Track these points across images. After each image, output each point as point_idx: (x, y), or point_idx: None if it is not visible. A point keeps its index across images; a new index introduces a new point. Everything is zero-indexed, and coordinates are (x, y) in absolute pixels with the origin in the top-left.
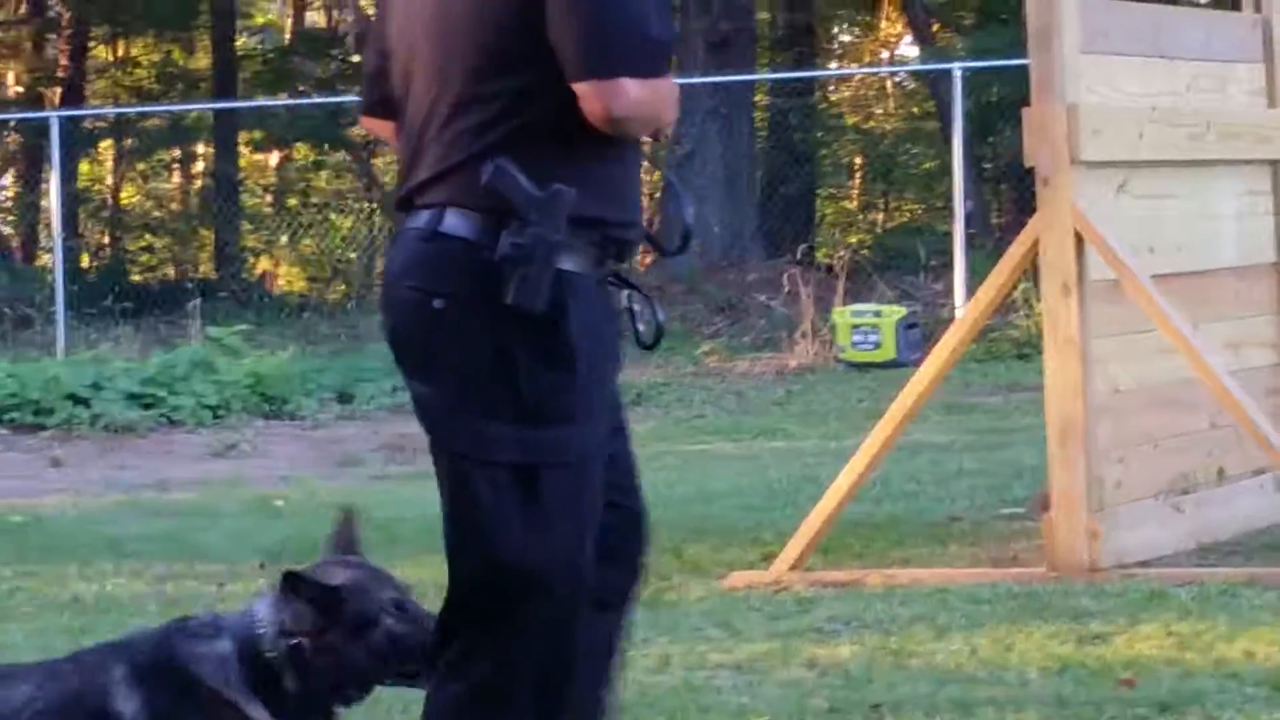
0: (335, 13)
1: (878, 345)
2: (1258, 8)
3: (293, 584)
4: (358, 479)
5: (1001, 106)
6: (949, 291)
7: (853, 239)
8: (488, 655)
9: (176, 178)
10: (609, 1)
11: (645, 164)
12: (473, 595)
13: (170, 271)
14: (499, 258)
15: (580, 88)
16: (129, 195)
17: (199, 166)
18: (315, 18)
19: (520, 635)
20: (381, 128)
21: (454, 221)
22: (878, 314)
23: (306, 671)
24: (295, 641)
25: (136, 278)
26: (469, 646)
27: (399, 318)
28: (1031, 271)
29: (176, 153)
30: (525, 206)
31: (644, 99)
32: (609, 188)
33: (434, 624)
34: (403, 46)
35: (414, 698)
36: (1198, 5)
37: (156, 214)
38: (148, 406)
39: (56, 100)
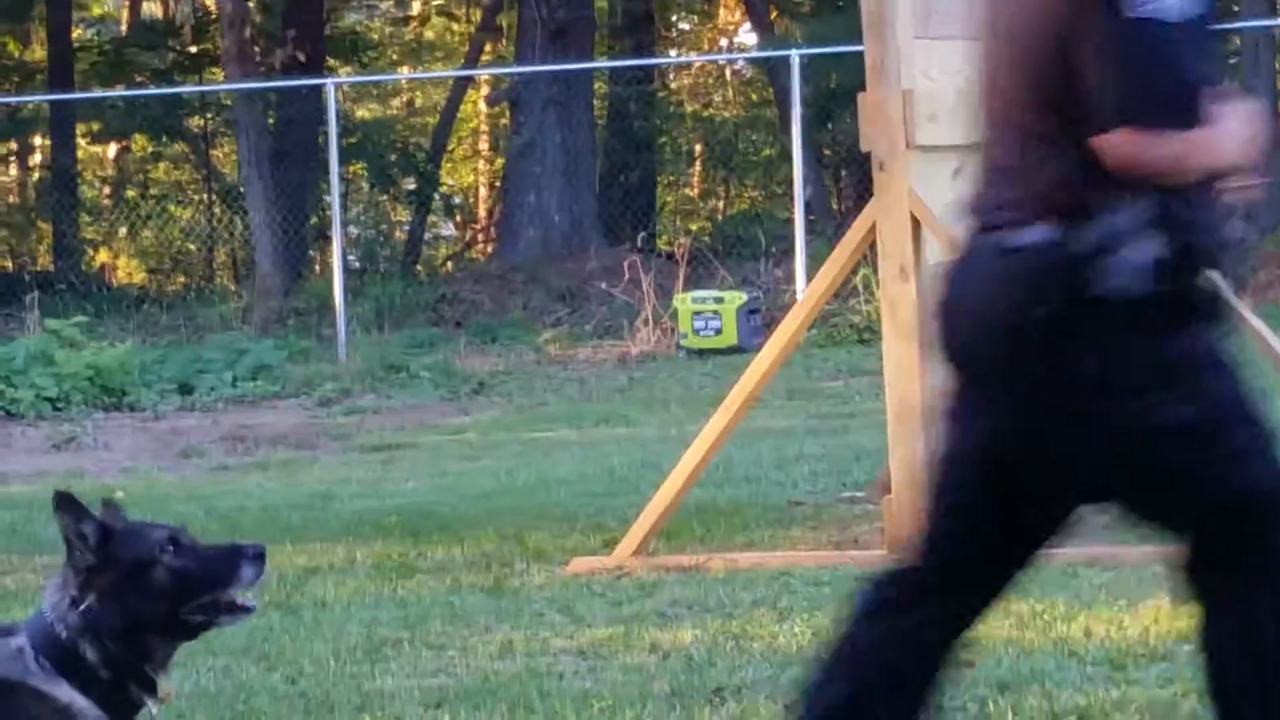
0: (172, 3)
1: (719, 331)
2: None
3: (63, 501)
4: (198, 470)
5: (839, 93)
6: (790, 278)
7: (694, 226)
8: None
9: (14, 170)
10: (1143, 48)
11: (486, 149)
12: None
13: (7, 264)
14: (1085, 251)
15: (1110, 135)
16: None
17: (36, 158)
18: (152, 9)
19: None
20: None
21: (1036, 231)
22: (719, 300)
23: (99, 632)
24: (84, 606)
25: None
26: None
27: (985, 334)
28: (871, 257)
29: (13, 145)
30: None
31: (1170, 151)
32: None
33: (214, 553)
34: (981, 72)
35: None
36: None
37: None
38: None
39: None
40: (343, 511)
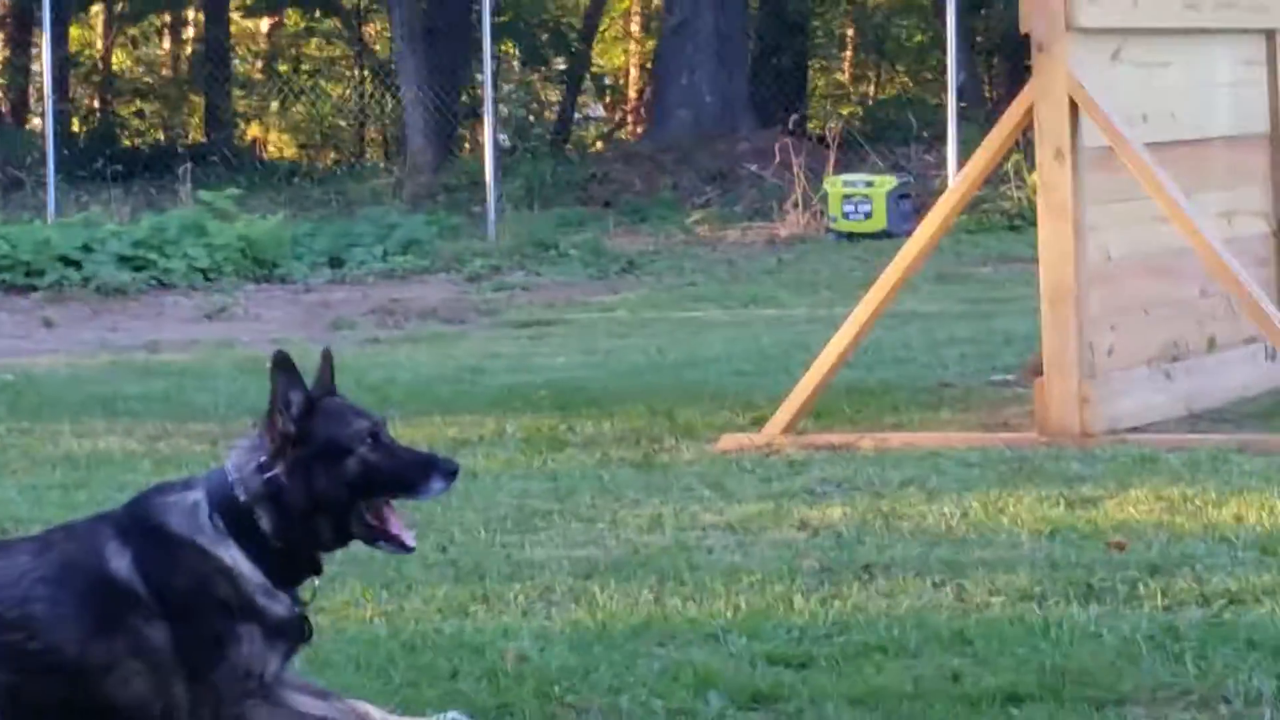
0: None
1: (869, 215)
2: None
3: (281, 362)
4: (349, 342)
5: None
6: (941, 163)
7: (845, 110)
8: None
9: (167, 43)
10: None
11: (638, 31)
12: None
13: (160, 136)
14: None
15: None
16: (119, 60)
17: (190, 32)
18: None
19: None
20: None
21: None
22: (869, 184)
23: (280, 503)
24: (270, 475)
25: (127, 142)
26: None
27: None
28: (1023, 143)
29: (166, 18)
30: None
31: None
32: None
33: (410, 457)
34: None
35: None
36: None
37: (147, 79)
38: (139, 269)
39: None
40: (492, 385)
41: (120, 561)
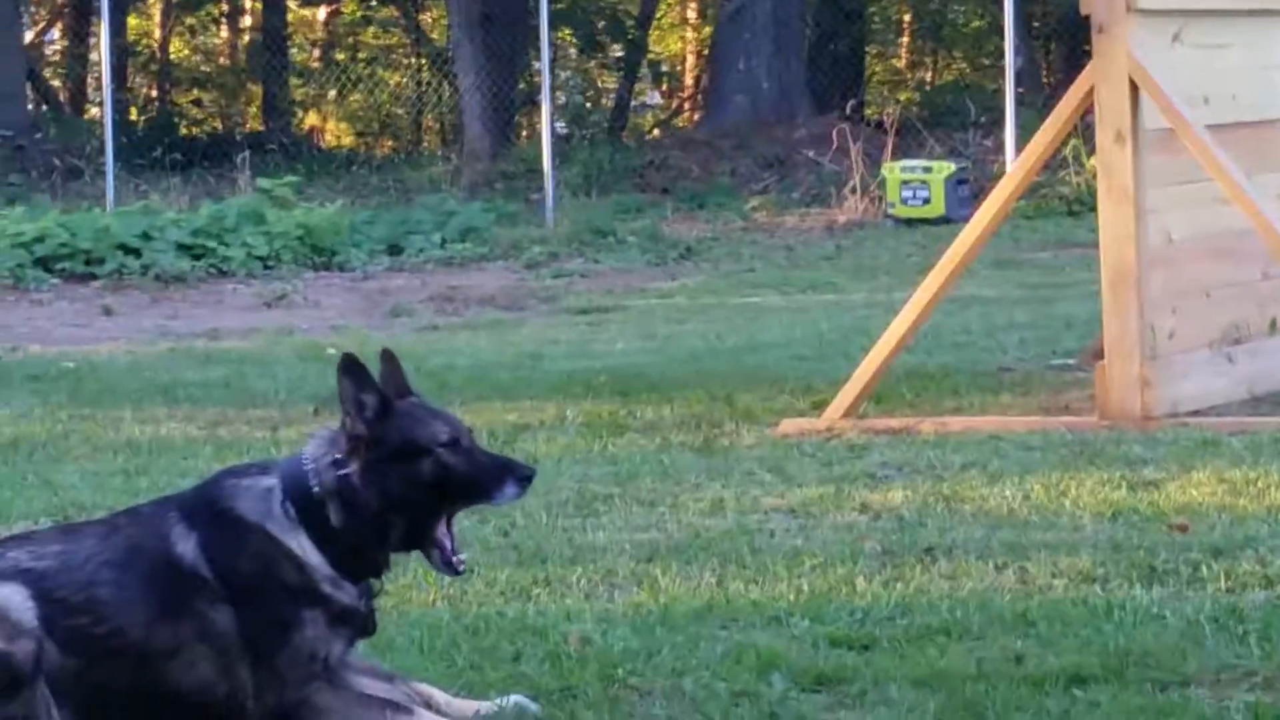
0: None
1: (927, 201)
2: None
3: (354, 365)
4: (407, 329)
5: None
6: (999, 148)
7: (902, 96)
8: None
9: (224, 31)
10: None
11: (694, 18)
12: None
13: (218, 125)
14: None
15: None
16: (177, 49)
17: (247, 21)
18: None
19: None
20: None
21: None
22: (927, 170)
23: (353, 500)
24: (344, 472)
25: (185, 131)
26: None
27: None
28: (1082, 127)
29: (224, 6)
30: None
31: None
32: None
33: (489, 464)
34: None
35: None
36: None
37: (205, 68)
38: (198, 257)
39: None
40: (552, 371)
41: (186, 545)
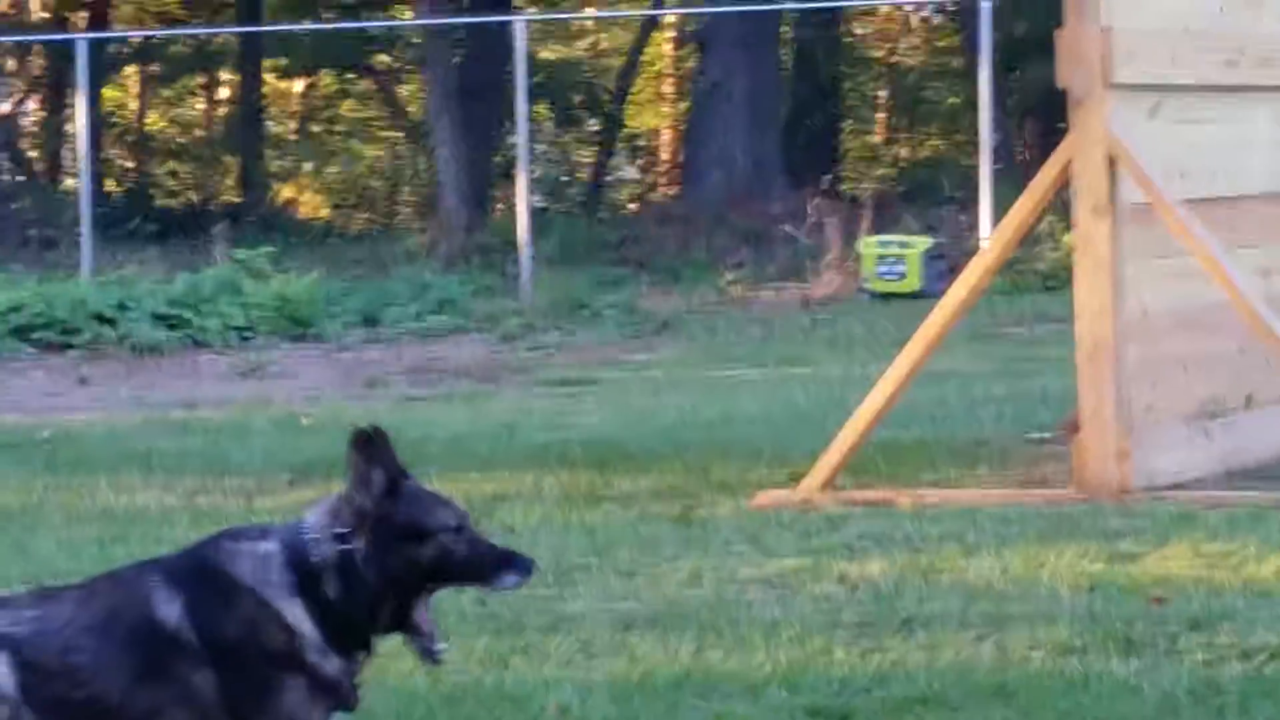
0: None
1: (903, 276)
2: None
3: (366, 441)
4: (384, 400)
5: (1026, 42)
6: (975, 223)
7: (878, 172)
8: None
9: (201, 104)
10: None
11: (671, 93)
12: None
13: (195, 196)
14: None
15: None
16: (154, 121)
17: (224, 93)
18: None
19: None
20: None
21: None
22: (904, 245)
23: (352, 575)
24: (347, 547)
25: (161, 202)
26: None
27: None
28: (1058, 203)
29: (201, 79)
30: None
31: None
32: None
33: (491, 553)
34: None
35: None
36: None
37: (181, 140)
38: (174, 327)
39: (82, 24)
40: (528, 442)
41: (170, 609)
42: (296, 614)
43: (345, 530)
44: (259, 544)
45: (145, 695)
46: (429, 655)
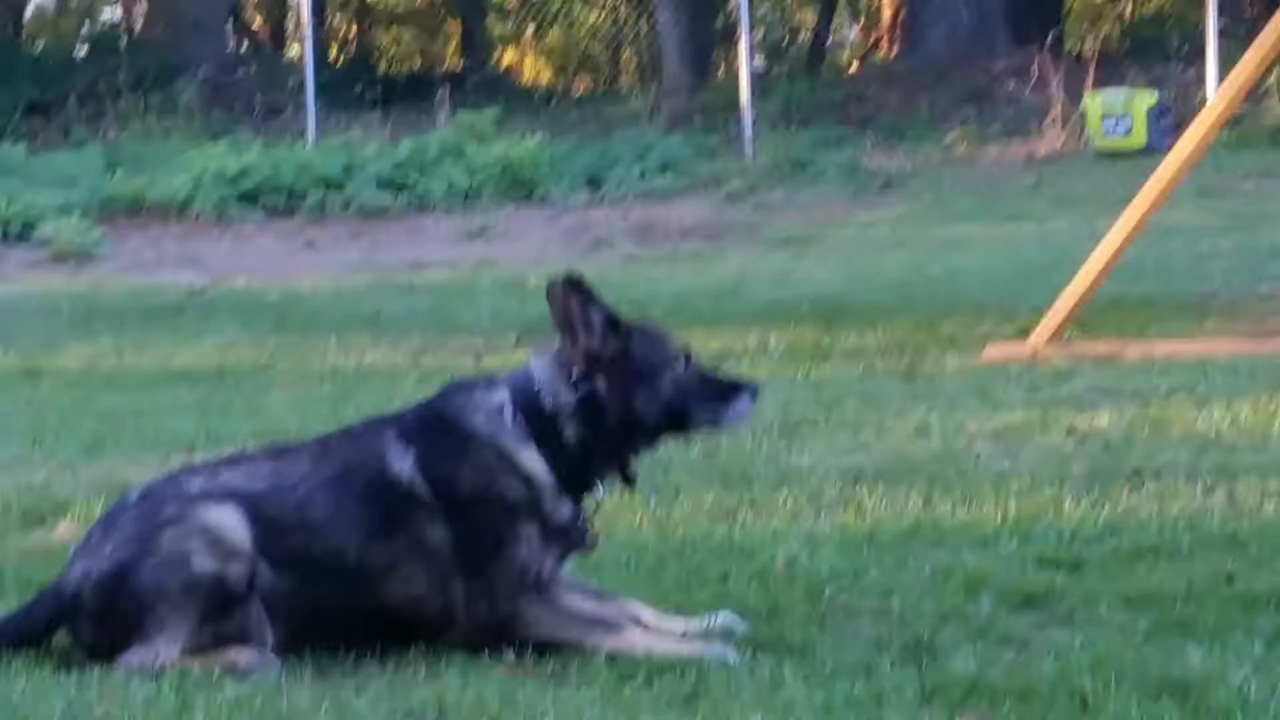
0: None
1: (1129, 132)
2: None
3: (575, 285)
4: (608, 260)
5: None
6: (1201, 79)
7: (1103, 27)
8: None
9: None
10: None
11: None
12: None
13: (417, 62)
14: None
15: None
16: None
17: None
18: None
19: None
20: None
21: None
22: (1129, 101)
23: (592, 416)
24: (585, 391)
25: (384, 68)
26: None
27: None
28: None
29: None
30: None
31: None
32: None
33: (716, 381)
34: None
35: None
36: None
37: (403, 6)
38: (399, 190)
39: None
40: (754, 300)
41: (403, 463)
42: (533, 461)
43: (578, 374)
44: (491, 395)
45: (380, 548)
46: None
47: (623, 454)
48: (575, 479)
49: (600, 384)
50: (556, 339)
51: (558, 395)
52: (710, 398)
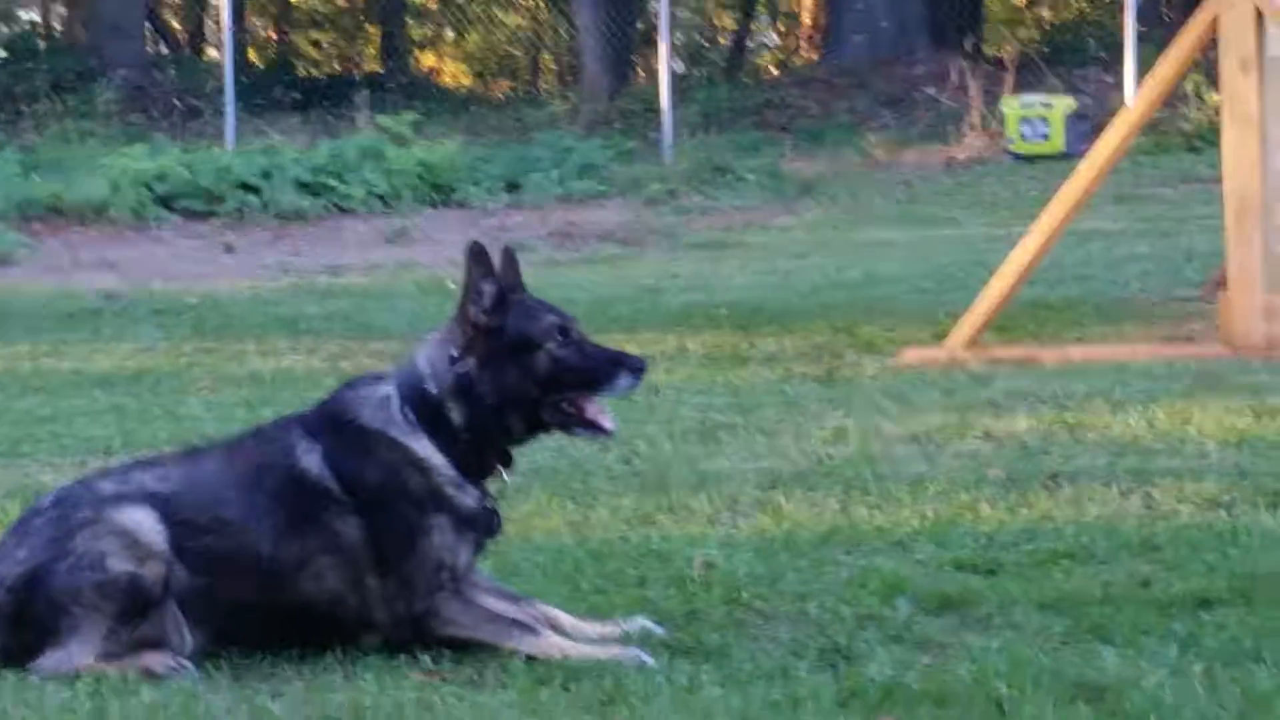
0: None
1: (1047, 137)
2: None
3: (480, 253)
4: (527, 264)
5: None
6: (1119, 84)
7: (1021, 32)
8: None
9: None
10: None
11: None
12: None
13: (337, 66)
14: None
15: None
16: None
17: None
18: None
19: None
20: None
21: None
22: (1047, 105)
23: (471, 395)
24: (461, 369)
25: (303, 71)
26: None
27: None
28: (1202, 62)
29: None
30: None
31: None
32: None
33: (598, 354)
34: None
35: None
36: None
37: (323, 9)
38: (318, 194)
39: None
40: (672, 304)
41: (311, 459)
42: (426, 448)
43: (459, 350)
44: (377, 388)
45: (294, 544)
46: (599, 431)
47: (508, 432)
48: (473, 464)
49: (473, 362)
50: (441, 326)
51: (440, 378)
52: (590, 373)
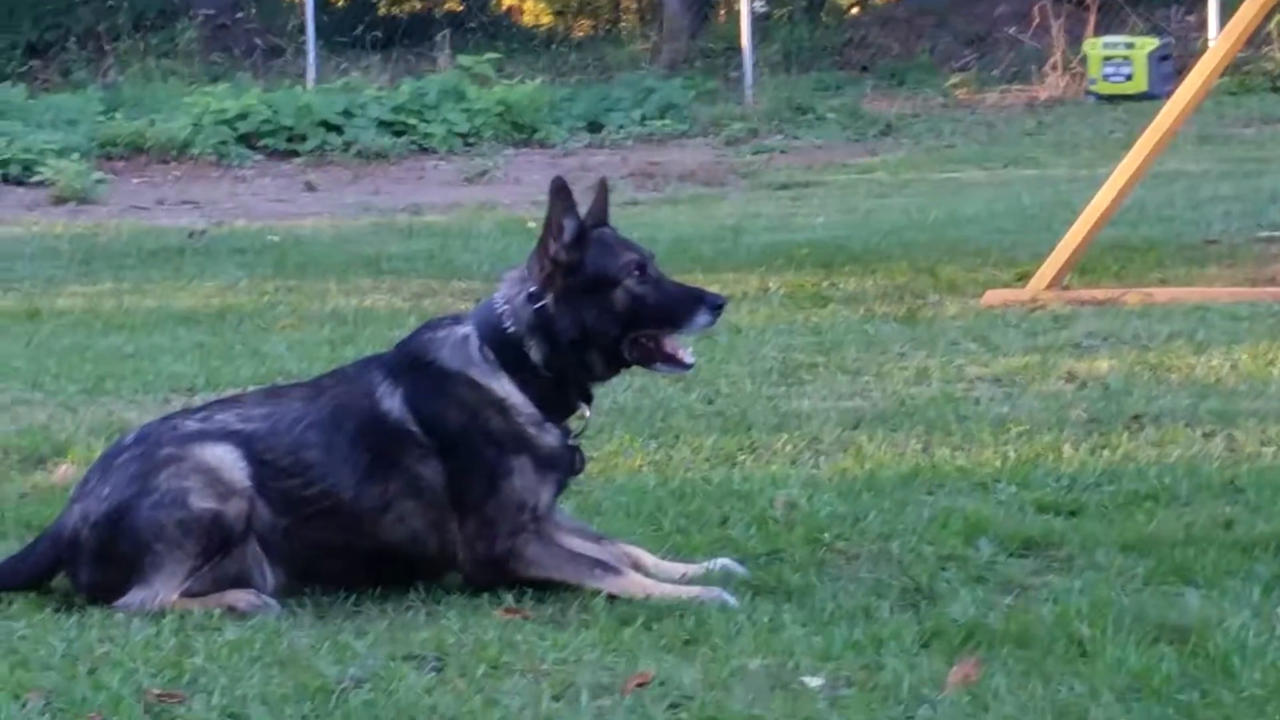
0: None
1: (1129, 77)
2: None
3: (563, 188)
4: (609, 204)
5: None
6: (1202, 24)
7: None
8: None
9: None
10: None
11: None
12: None
13: (418, 4)
14: None
15: None
16: None
17: None
18: None
19: None
20: None
21: None
22: (1130, 46)
23: (549, 333)
24: (540, 305)
25: (384, 10)
26: None
27: None
28: None
29: None
30: None
31: None
32: None
33: (676, 291)
34: None
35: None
36: None
37: None
38: (399, 134)
39: None
40: (753, 244)
41: (391, 401)
42: (506, 388)
43: (538, 286)
44: (455, 329)
45: (375, 488)
46: (679, 366)
47: (588, 369)
48: (554, 402)
49: (552, 298)
50: (520, 264)
51: (519, 316)
52: (668, 310)
